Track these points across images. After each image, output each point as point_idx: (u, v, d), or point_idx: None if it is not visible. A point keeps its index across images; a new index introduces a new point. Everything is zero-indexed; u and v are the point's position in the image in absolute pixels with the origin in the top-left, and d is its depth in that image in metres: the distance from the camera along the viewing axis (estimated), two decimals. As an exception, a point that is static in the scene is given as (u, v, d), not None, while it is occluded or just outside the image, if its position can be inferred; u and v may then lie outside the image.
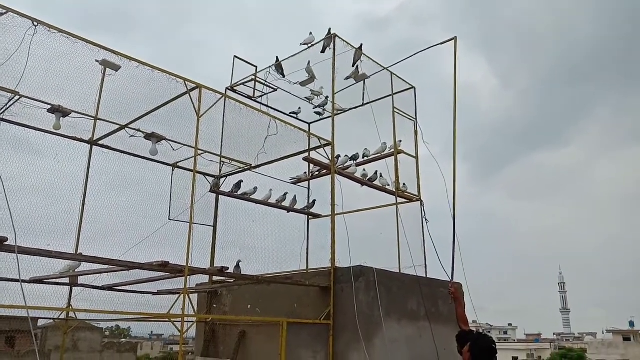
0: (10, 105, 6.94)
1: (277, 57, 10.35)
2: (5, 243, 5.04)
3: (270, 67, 10.45)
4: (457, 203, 6.92)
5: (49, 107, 7.31)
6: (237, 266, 7.92)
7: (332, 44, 9.56)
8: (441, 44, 8.03)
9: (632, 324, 71.75)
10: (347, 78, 10.33)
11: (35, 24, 5.67)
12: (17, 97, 6.80)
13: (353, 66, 9.92)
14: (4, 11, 5.41)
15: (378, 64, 10.52)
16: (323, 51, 9.74)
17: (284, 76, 10.33)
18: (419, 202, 10.18)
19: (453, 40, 7.89)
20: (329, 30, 9.69)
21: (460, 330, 5.49)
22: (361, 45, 9.87)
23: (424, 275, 9.43)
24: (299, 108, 10.87)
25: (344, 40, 9.68)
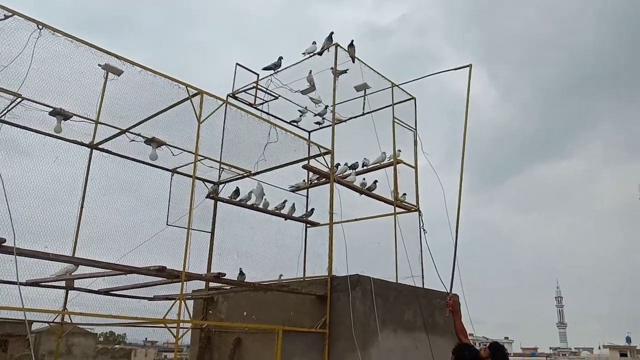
0: (12, 107, 6.95)
1: (280, 57, 10.37)
2: (4, 244, 5.03)
3: (271, 75, 10.47)
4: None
5: (51, 109, 7.33)
6: (241, 273, 7.88)
7: (330, 47, 9.60)
8: (456, 69, 7.99)
9: (629, 339, 71.49)
10: (357, 88, 10.37)
11: (40, 27, 5.72)
12: (19, 99, 6.81)
13: (353, 62, 9.89)
14: (10, 14, 5.45)
15: (380, 74, 10.58)
16: (321, 53, 9.77)
17: (277, 67, 10.29)
18: (417, 212, 10.19)
19: (467, 68, 7.82)
20: (331, 33, 9.73)
21: (461, 344, 5.49)
22: (352, 41, 9.84)
23: (421, 286, 9.42)
24: (305, 107, 10.84)
25: (345, 50, 9.73)
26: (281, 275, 9.49)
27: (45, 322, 8.21)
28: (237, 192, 9.33)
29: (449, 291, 6.39)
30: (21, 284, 5.22)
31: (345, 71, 9.72)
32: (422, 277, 9.61)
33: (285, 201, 9.93)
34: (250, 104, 10.71)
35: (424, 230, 9.70)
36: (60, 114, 7.42)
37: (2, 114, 6.98)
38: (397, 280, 9.27)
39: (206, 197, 9.46)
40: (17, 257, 5.18)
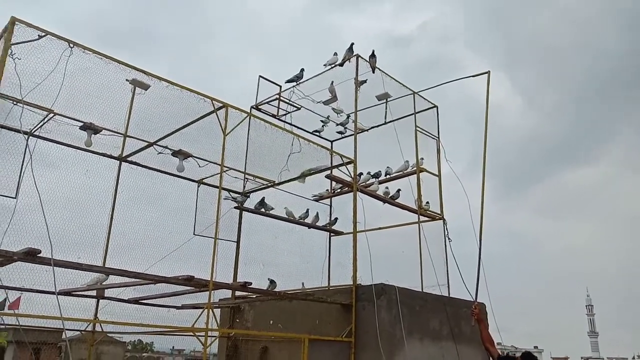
0: (45, 123, 7.21)
1: (302, 69, 10.51)
2: (39, 255, 5.20)
3: (293, 86, 10.60)
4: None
5: (81, 124, 7.57)
6: (272, 282, 7.95)
7: (351, 58, 9.69)
8: (475, 76, 8.05)
9: (664, 349, 69.14)
10: (378, 97, 10.43)
11: (71, 45, 5.93)
12: (52, 114, 7.05)
13: (373, 72, 9.96)
14: (43, 34, 5.68)
15: (402, 83, 10.63)
16: (342, 64, 9.87)
17: (299, 79, 10.43)
18: (441, 221, 10.14)
19: (486, 74, 7.85)
20: (351, 44, 9.83)
21: (502, 356, 5.55)
22: (373, 51, 9.94)
23: (447, 295, 9.36)
24: (328, 117, 10.92)
25: (365, 60, 9.81)
26: (303, 283, 9.55)
27: (77, 330, 8.42)
28: (262, 202, 9.42)
29: (474, 300, 6.36)
30: (57, 293, 5.38)
31: (365, 81, 9.80)
32: (448, 286, 9.55)
33: (308, 210, 10.00)
34: (273, 115, 10.84)
35: (448, 238, 9.67)
36: (91, 128, 7.66)
37: (35, 129, 7.24)
38: (422, 289, 9.23)
39: (234, 207, 9.58)
40: (48, 267, 5.33)
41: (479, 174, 7.19)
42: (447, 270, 9.56)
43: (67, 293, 7.51)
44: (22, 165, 6.37)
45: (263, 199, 9.41)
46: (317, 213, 10.14)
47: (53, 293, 5.31)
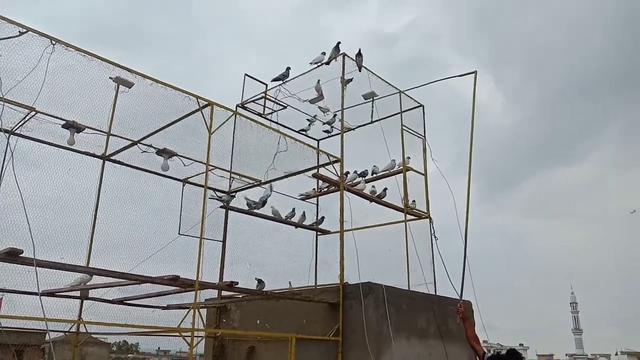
0: (27, 121, 7.09)
1: (288, 68, 10.47)
2: (21, 255, 5.11)
3: (279, 85, 10.57)
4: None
5: (64, 122, 7.45)
6: (260, 282, 7.88)
7: (337, 57, 9.69)
8: (461, 75, 8.08)
9: (646, 345, 70.29)
10: (365, 96, 10.43)
11: (54, 42, 5.84)
12: (33, 112, 6.94)
13: (359, 71, 9.95)
14: (25, 30, 5.58)
15: (388, 83, 10.64)
16: (328, 62, 9.86)
17: (285, 78, 10.39)
18: (427, 219, 10.18)
19: (473, 74, 7.88)
20: (338, 43, 9.82)
21: (494, 355, 5.56)
22: (359, 50, 9.91)
23: (434, 293, 9.39)
24: (314, 116, 10.89)
25: (352, 59, 9.80)
26: (290, 282, 9.51)
27: (61, 331, 8.31)
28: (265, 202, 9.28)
29: (459, 298, 6.39)
30: (40, 294, 5.29)
31: (351, 80, 9.79)
32: (435, 284, 9.59)
33: (294, 209, 9.96)
34: (259, 114, 10.80)
35: (435, 236, 9.71)
36: (73, 127, 7.55)
37: (17, 127, 7.12)
38: (409, 288, 9.26)
39: (220, 207, 9.50)
40: (31, 267, 5.25)
41: (463, 172, 7.24)
42: (434, 269, 9.61)
43: (51, 294, 7.39)
44: (3, 164, 6.26)
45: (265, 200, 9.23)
46: (304, 212, 10.11)
47: (36, 294, 5.22)
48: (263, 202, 9.04)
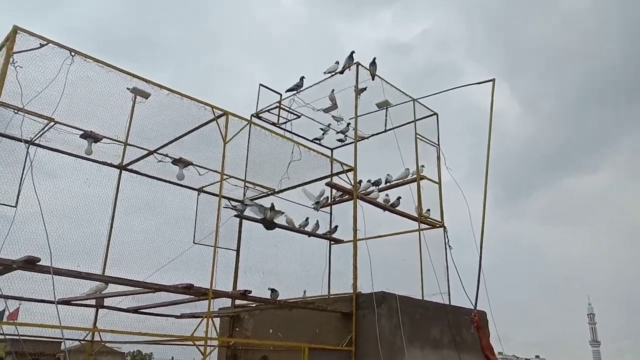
0: (46, 131, 7.22)
1: (302, 77, 10.55)
2: (38, 264, 5.18)
3: (293, 94, 10.63)
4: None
5: (82, 132, 7.57)
6: (274, 291, 7.87)
7: (351, 66, 9.74)
8: (479, 83, 8.01)
9: (666, 357, 68.78)
10: (378, 105, 10.45)
11: (73, 54, 5.95)
12: (52, 123, 7.06)
13: (372, 79, 9.98)
14: (45, 42, 5.70)
15: (402, 91, 10.66)
16: (342, 72, 9.91)
17: (299, 87, 10.46)
18: (442, 228, 10.13)
19: (491, 82, 7.79)
20: (352, 52, 9.88)
21: None
22: (374, 59, 9.97)
23: (448, 303, 9.32)
24: (328, 125, 10.92)
25: (366, 68, 9.85)
26: (305, 291, 9.50)
27: (76, 340, 8.38)
28: (272, 208, 9.29)
29: (474, 307, 6.34)
30: (56, 302, 5.35)
31: (364, 89, 9.83)
32: (449, 294, 9.51)
33: (307, 218, 9.98)
34: (273, 123, 10.86)
35: (449, 246, 9.65)
36: (91, 137, 7.66)
37: (36, 137, 7.25)
38: (423, 297, 9.20)
39: (234, 216, 9.53)
40: (48, 276, 5.31)
41: (478, 181, 7.19)
42: (448, 278, 9.53)
43: (66, 302, 7.47)
44: (22, 173, 6.37)
45: (272, 205, 9.25)
46: (317, 221, 10.10)
47: (52, 302, 5.27)
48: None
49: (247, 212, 8.79)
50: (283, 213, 8.80)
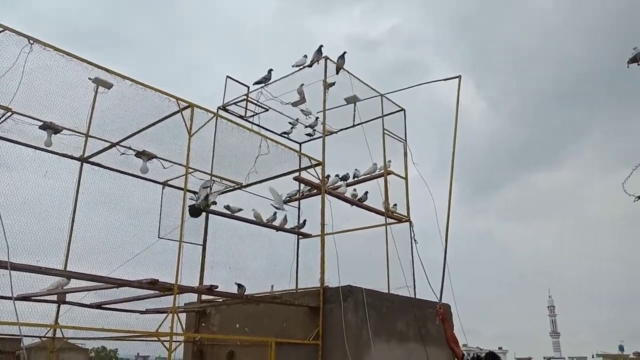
0: (2, 122, 6.96)
1: (270, 70, 10.47)
2: (-5, 259, 5.01)
3: (261, 87, 10.55)
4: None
5: (41, 123, 7.33)
6: (240, 286, 7.80)
7: (319, 60, 9.72)
8: (445, 79, 8.05)
9: (621, 348, 71.71)
10: (347, 100, 10.45)
11: (31, 42, 5.75)
12: (9, 113, 6.82)
13: (337, 73, 9.99)
14: (1, 29, 5.49)
15: (369, 86, 10.69)
16: (311, 65, 9.88)
17: (267, 81, 10.40)
18: (408, 223, 10.24)
19: (457, 78, 7.84)
20: (320, 46, 9.86)
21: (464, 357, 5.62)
22: (344, 53, 9.98)
23: (414, 296, 9.44)
24: (296, 119, 10.88)
25: (333, 62, 9.84)
26: (272, 286, 9.47)
27: (37, 337, 8.13)
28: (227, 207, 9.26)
29: (439, 300, 6.43)
30: (14, 299, 5.18)
31: (333, 84, 9.82)
32: (414, 288, 9.64)
33: (275, 213, 9.93)
34: (240, 117, 10.76)
35: (415, 240, 9.76)
36: (51, 128, 7.42)
37: (-8, 128, 6.98)
38: (389, 291, 9.30)
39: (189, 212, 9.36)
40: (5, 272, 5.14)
41: (445, 176, 7.26)
42: (414, 272, 9.66)
43: (26, 298, 7.24)
44: (-23, 166, 6.14)
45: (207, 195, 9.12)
46: (285, 215, 10.08)
47: (10, 298, 5.10)
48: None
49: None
50: (215, 204, 8.64)
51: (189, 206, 8.23)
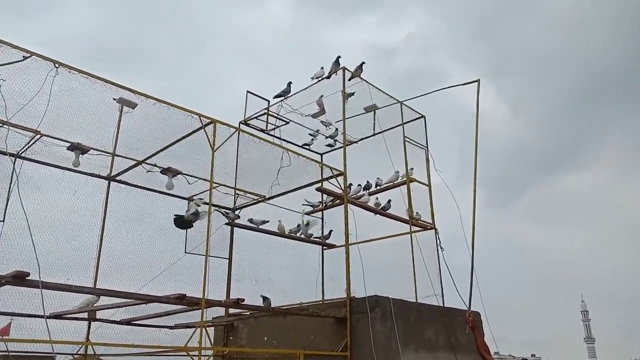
0: (32, 144, 7.15)
1: (289, 82, 10.56)
2: (27, 278, 5.12)
3: (281, 100, 10.64)
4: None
5: (68, 144, 7.51)
6: (265, 299, 7.81)
7: (338, 70, 9.77)
8: (463, 84, 8.02)
9: (660, 352, 69.34)
10: (366, 109, 10.49)
11: (57, 65, 5.91)
12: (38, 136, 7.01)
13: (350, 80, 9.96)
14: (28, 55, 5.66)
15: (388, 94, 10.70)
16: (329, 77, 9.94)
17: (287, 93, 10.50)
18: (433, 230, 10.15)
19: (476, 83, 7.78)
20: (338, 57, 9.91)
21: None
22: (362, 63, 10.01)
23: (442, 305, 9.32)
24: (317, 131, 10.92)
25: (350, 72, 9.87)
26: (301, 303, 9.47)
27: (69, 354, 8.26)
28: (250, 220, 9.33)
29: (468, 308, 6.34)
30: (46, 317, 5.29)
31: (352, 94, 9.86)
32: (442, 296, 9.52)
33: (299, 224, 9.96)
34: (262, 130, 10.86)
35: (441, 247, 9.66)
36: (78, 149, 7.60)
37: (22, 151, 7.18)
38: (416, 300, 9.20)
39: (225, 224, 9.49)
40: (38, 290, 5.25)
41: (468, 182, 7.21)
42: (441, 280, 9.55)
43: (57, 316, 7.37)
44: (9, 188, 6.31)
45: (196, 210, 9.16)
46: (309, 227, 10.10)
47: (42, 317, 5.20)
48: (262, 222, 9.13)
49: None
50: (202, 218, 8.62)
51: (174, 216, 8.32)
